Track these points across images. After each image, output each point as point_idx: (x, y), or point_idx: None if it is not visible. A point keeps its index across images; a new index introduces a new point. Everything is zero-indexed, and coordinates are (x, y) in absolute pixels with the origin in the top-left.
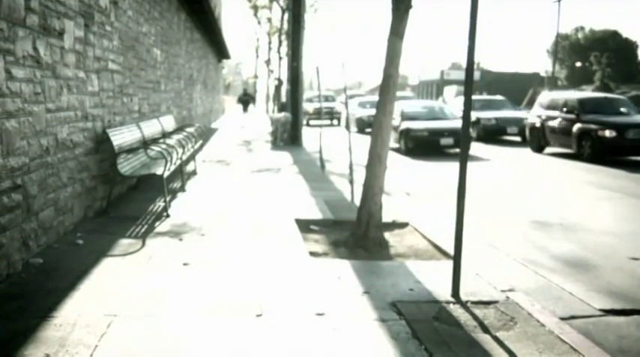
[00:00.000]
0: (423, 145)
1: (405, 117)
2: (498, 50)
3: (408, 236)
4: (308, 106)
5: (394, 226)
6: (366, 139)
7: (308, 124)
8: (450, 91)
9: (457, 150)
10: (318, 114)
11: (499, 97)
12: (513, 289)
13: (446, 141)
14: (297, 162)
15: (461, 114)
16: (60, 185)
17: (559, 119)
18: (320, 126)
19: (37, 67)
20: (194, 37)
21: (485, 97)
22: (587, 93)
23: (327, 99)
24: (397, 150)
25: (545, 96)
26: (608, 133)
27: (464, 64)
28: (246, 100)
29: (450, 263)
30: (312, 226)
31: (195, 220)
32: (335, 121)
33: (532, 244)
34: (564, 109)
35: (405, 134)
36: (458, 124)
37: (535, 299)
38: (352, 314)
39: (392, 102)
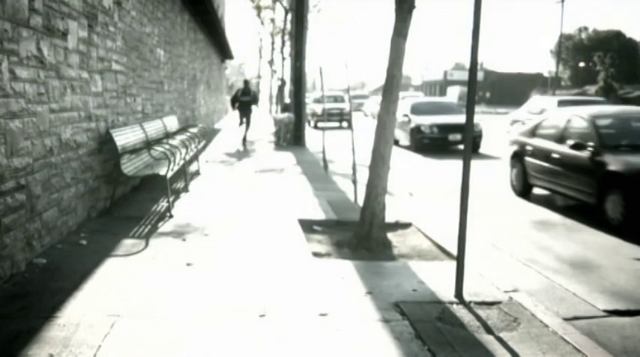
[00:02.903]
0: None
1: (606, 140)
2: (502, 50)
3: (411, 237)
4: (316, 107)
5: (397, 226)
6: (429, 164)
7: (316, 127)
8: (453, 91)
9: None
10: (327, 115)
11: (598, 98)
12: (517, 289)
13: None
14: (300, 162)
15: None
16: (63, 185)
17: None
18: (323, 129)
19: (41, 67)
20: (197, 38)
21: (575, 97)
22: None
23: (336, 99)
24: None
25: None
26: None
27: (467, 65)
28: (248, 101)
29: (454, 264)
30: (315, 227)
31: (198, 221)
32: (345, 124)
33: (535, 244)
34: None
35: (628, 186)
36: None
37: (538, 300)
38: (355, 315)
39: (395, 102)
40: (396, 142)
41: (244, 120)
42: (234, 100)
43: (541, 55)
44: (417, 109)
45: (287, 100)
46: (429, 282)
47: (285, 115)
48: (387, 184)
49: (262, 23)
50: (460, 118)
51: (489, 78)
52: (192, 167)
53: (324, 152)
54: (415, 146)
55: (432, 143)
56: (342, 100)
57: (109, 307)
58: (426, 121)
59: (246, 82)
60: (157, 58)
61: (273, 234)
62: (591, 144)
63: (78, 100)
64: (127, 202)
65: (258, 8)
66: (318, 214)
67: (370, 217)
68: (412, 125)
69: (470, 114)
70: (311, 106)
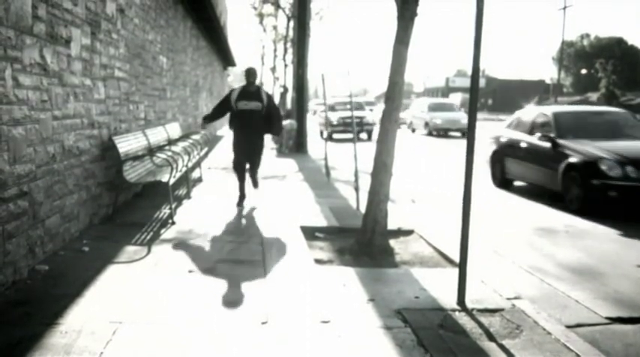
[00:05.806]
0: None
1: None
2: (504, 57)
3: (413, 243)
4: (331, 116)
5: (399, 233)
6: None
7: (330, 138)
8: (455, 98)
9: None
10: (344, 125)
11: None
12: (519, 296)
13: None
14: (302, 169)
15: None
16: (66, 192)
17: None
18: (326, 139)
19: (44, 74)
20: (200, 45)
21: None
22: None
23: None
24: None
25: None
26: None
27: (469, 71)
28: (256, 113)
29: (456, 271)
30: (318, 234)
31: (200, 227)
32: (364, 135)
33: (538, 251)
34: None
35: None
36: None
37: (541, 307)
38: (357, 322)
39: (398, 109)
40: (508, 183)
41: (248, 153)
42: (218, 111)
43: (543, 62)
44: (567, 127)
45: (289, 107)
46: (431, 289)
47: (288, 121)
48: (390, 191)
49: (264, 30)
50: None
51: (491, 85)
52: (195, 174)
53: (326, 159)
54: (581, 202)
55: (624, 197)
56: (362, 108)
57: (110, 313)
58: (603, 152)
59: (250, 74)
60: (160, 65)
61: (275, 241)
62: None
63: (81, 107)
64: (129, 208)
65: (261, 16)
66: (320, 220)
67: (372, 224)
68: (572, 159)
69: (472, 118)
70: (326, 115)
